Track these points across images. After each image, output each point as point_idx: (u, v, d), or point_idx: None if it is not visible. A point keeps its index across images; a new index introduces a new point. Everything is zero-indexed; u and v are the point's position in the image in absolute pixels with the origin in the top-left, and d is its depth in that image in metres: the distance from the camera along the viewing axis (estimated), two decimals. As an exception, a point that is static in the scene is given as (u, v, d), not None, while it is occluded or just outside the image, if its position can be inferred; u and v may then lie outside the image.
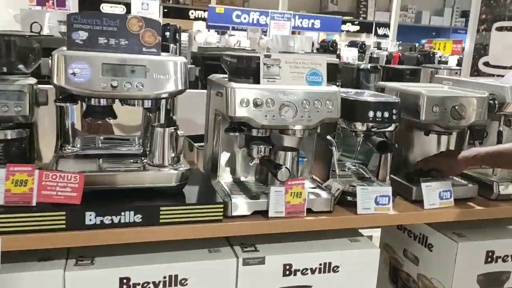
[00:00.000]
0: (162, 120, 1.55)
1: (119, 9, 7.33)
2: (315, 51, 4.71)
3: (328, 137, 1.57)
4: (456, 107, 1.65)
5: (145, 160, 1.48)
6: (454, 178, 1.82)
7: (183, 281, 1.42)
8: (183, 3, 12.00)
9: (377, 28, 13.46)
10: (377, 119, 1.57)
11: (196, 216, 1.40)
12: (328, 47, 5.45)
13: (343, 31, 12.52)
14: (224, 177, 1.63)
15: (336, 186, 1.63)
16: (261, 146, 1.51)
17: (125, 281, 1.38)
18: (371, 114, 1.56)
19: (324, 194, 1.55)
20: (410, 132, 1.84)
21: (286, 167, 1.41)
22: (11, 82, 1.42)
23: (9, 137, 1.43)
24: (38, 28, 1.53)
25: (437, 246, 1.81)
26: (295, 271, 1.52)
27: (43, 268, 1.34)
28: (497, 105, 1.74)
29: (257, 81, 1.45)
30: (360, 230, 1.73)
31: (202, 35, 4.65)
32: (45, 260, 1.38)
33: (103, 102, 1.38)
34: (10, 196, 1.27)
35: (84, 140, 1.61)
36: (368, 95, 1.67)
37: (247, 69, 1.49)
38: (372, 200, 1.57)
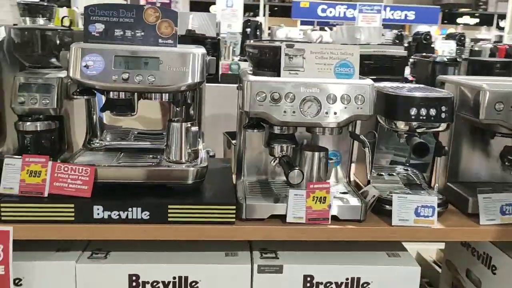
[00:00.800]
0: (184, 115, 1.50)
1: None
2: (385, 42, 4.34)
3: (361, 137, 1.39)
4: (526, 104, 1.36)
5: (163, 156, 1.43)
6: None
7: (193, 284, 1.36)
8: (288, 1, 11.97)
9: (499, 20, 12.19)
10: (421, 117, 1.35)
11: (207, 217, 1.32)
12: (421, 40, 5.02)
13: (459, 24, 11.59)
14: (249, 177, 1.53)
15: (373, 193, 1.44)
16: (283, 145, 1.38)
17: (134, 278, 1.34)
18: (413, 111, 1.35)
19: (354, 201, 1.38)
20: (472, 134, 1.57)
21: (300, 169, 1.27)
22: (41, 75, 1.47)
23: (38, 129, 1.47)
24: (68, 22, 1.54)
25: (501, 269, 1.53)
26: (318, 284, 1.37)
27: (58, 259, 1.36)
28: None
29: (279, 73, 1.33)
30: (413, 244, 1.52)
31: (283, 30, 4.53)
32: (64, 250, 1.40)
33: (119, 95, 1.36)
34: (25, 186, 1.30)
35: (113, 133, 1.61)
36: (416, 90, 1.44)
37: (269, 60, 1.37)
38: (412, 210, 1.35)
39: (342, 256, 1.42)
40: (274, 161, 1.41)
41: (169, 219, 1.31)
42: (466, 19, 12.19)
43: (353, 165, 1.68)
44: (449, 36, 5.65)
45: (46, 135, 1.49)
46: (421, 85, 1.56)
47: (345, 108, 1.30)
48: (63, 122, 1.54)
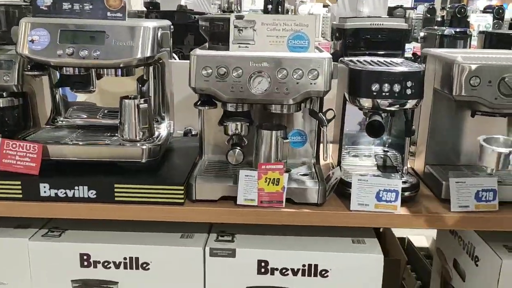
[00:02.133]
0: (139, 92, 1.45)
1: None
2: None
3: (320, 115, 1.29)
4: (506, 79, 1.22)
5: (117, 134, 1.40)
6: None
7: (144, 265, 1.33)
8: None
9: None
10: (384, 93, 1.23)
11: (155, 197, 1.28)
12: (455, 14, 4.71)
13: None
14: (211, 157, 1.47)
15: (337, 175, 1.35)
16: (236, 123, 1.31)
17: (85, 257, 1.33)
18: (375, 87, 1.23)
19: (311, 183, 1.29)
20: (453, 112, 1.43)
21: (240, 149, 1.20)
22: (4, 52, 1.46)
23: (0, 105, 1.47)
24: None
25: (483, 260, 1.40)
26: (272, 269, 1.31)
27: (13, 235, 1.37)
28: None
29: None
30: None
31: (305, 6, 4.38)
32: (23, 227, 1.41)
33: (74, 71, 1.33)
34: (-25, 163, 1.30)
35: (81, 111, 1.59)
36: (386, 65, 1.32)
37: (221, 34, 1.29)
38: (373, 194, 1.25)
39: (301, 241, 1.34)
40: (228, 140, 1.34)
41: (116, 199, 1.28)
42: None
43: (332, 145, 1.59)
44: (486, 9, 5.25)
45: (9, 112, 1.49)
46: (402, 60, 1.42)
47: (297, 83, 1.21)
48: (27, 99, 1.53)
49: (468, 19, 4.94)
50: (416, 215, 1.26)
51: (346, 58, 1.45)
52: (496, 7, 5.04)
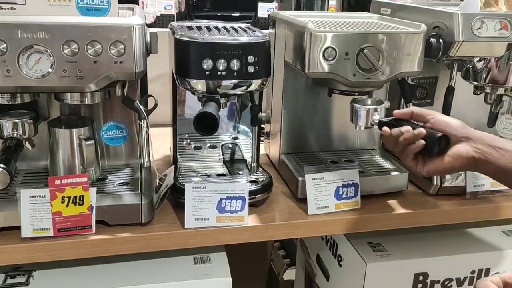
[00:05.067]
0: None
1: None
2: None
3: (137, 103, 0.94)
4: (365, 51, 0.99)
5: None
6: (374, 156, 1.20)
7: None
8: None
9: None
10: (220, 72, 0.93)
11: None
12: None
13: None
14: None
15: (168, 181, 1.03)
16: (11, 120, 0.91)
17: None
18: (208, 64, 0.92)
19: (130, 198, 0.95)
20: (309, 91, 1.19)
21: (4, 167, 0.81)
22: None
23: None
24: None
25: (347, 260, 1.22)
26: (87, 316, 0.96)
27: None
28: (442, 45, 1.06)
29: (-9, 8, 0.83)
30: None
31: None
32: None
33: None
34: None
35: None
36: (226, 33, 1.01)
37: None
38: (213, 205, 0.96)
39: (128, 271, 1.01)
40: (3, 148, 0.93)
41: None
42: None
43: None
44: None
45: None
46: (246, 27, 1.12)
47: (95, 62, 0.84)
48: None
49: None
50: (268, 226, 1.00)
51: (176, 23, 1.11)
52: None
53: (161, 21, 4.19)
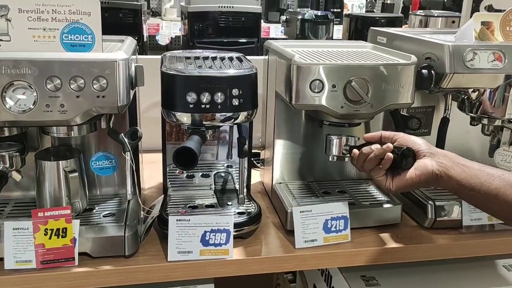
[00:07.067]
0: None
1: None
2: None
3: (122, 136, 0.95)
4: (352, 84, 0.97)
5: None
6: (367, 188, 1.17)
7: None
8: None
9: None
10: (204, 105, 0.93)
11: None
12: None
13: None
14: None
15: (155, 213, 1.03)
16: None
17: None
18: (192, 97, 0.92)
19: (113, 230, 0.95)
20: (300, 120, 1.18)
21: None
22: None
23: None
24: None
25: (339, 293, 1.19)
26: None
27: None
28: (433, 76, 1.04)
29: (-20, 44, 0.85)
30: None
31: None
32: None
33: None
34: None
35: None
36: (213, 63, 1.02)
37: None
38: (197, 238, 0.96)
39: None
40: None
41: None
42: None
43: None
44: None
45: None
46: (238, 56, 1.13)
47: (78, 97, 0.85)
48: None
49: (344, -2, 4.90)
50: (254, 259, 0.99)
51: (169, 54, 1.12)
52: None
53: (177, 42, 4.24)
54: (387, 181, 0.92)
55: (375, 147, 0.92)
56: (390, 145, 0.92)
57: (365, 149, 0.93)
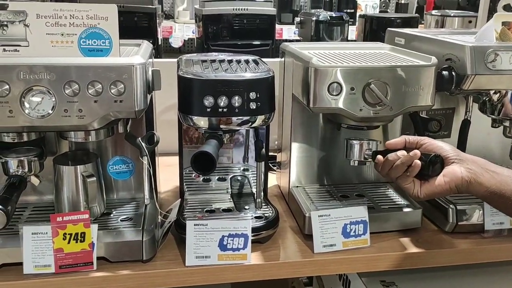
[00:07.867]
0: None
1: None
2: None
3: (139, 140, 0.95)
4: (371, 86, 0.96)
5: None
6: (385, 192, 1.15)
7: None
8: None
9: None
10: (221, 109, 0.92)
11: None
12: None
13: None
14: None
15: (172, 217, 1.02)
16: (17, 158, 0.92)
17: None
18: (209, 101, 0.92)
19: (131, 234, 0.95)
20: (318, 124, 1.17)
21: (2, 209, 0.82)
22: None
23: None
24: None
25: (358, 298, 1.17)
26: None
27: None
28: (454, 78, 1.02)
29: None
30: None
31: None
32: None
33: None
34: None
35: None
36: (230, 66, 1.01)
37: (-15, 30, 0.88)
38: (215, 242, 0.95)
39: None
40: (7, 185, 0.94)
41: None
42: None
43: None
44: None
45: None
46: (255, 59, 1.12)
47: (95, 102, 0.85)
48: None
49: (358, -1, 4.86)
50: (272, 264, 0.98)
51: (185, 57, 1.12)
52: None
53: (190, 44, 4.25)
54: (415, 188, 0.90)
55: (401, 153, 0.90)
56: (417, 152, 0.89)
57: (391, 156, 0.91)
